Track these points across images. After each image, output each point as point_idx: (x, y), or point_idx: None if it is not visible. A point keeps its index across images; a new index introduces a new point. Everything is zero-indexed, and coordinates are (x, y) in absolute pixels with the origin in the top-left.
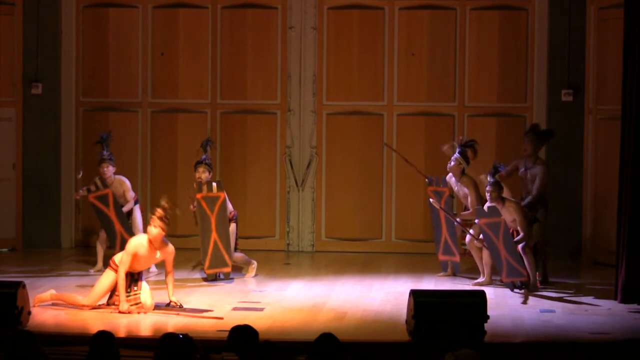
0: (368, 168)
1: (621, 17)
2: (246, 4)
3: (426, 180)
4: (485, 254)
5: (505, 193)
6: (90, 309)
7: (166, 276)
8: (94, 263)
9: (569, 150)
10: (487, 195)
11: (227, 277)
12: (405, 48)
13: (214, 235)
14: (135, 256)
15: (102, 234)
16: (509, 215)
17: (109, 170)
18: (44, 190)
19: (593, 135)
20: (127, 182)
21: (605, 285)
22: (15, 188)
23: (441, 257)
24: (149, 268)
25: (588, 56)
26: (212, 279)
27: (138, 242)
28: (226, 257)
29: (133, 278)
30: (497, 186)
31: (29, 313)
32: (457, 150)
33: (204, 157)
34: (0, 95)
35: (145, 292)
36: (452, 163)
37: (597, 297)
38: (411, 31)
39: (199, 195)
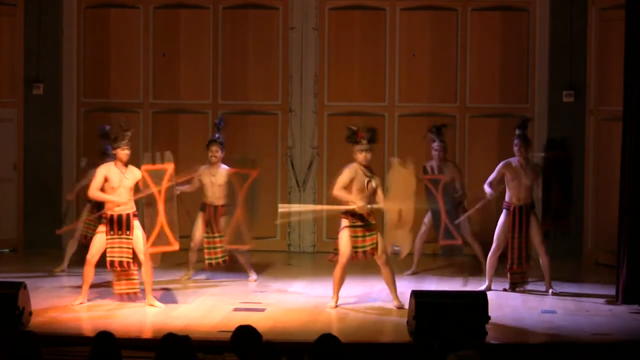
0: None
1: (622, 19)
2: (247, 5)
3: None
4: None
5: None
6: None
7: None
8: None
9: (570, 151)
10: (516, 149)
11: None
12: (407, 49)
13: (238, 212)
14: (106, 181)
15: (76, 234)
16: (533, 173)
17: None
18: (45, 190)
19: (594, 136)
20: None
21: (606, 286)
22: (16, 189)
23: (442, 242)
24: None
25: (589, 57)
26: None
27: (104, 166)
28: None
29: (120, 221)
30: (524, 139)
31: (30, 314)
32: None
33: (217, 135)
34: (1, 96)
35: (137, 239)
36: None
37: (598, 298)
38: (412, 32)
39: (232, 170)
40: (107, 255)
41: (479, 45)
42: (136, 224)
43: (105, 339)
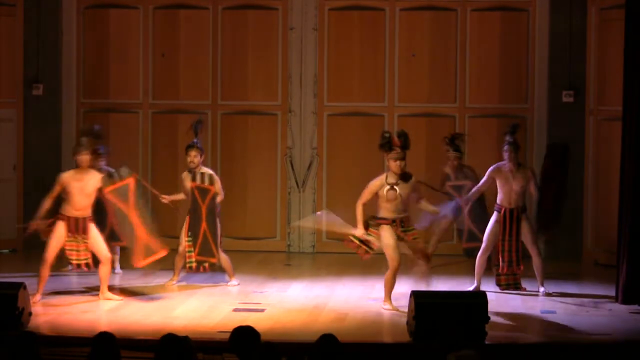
0: (369, 169)
1: (622, 18)
2: (247, 5)
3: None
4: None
5: None
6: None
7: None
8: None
9: (570, 151)
10: (505, 155)
11: (212, 269)
12: (406, 49)
13: (203, 225)
14: (68, 186)
15: None
16: (523, 179)
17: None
18: (45, 191)
19: (594, 136)
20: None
21: (605, 286)
22: (16, 189)
23: (465, 245)
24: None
25: (589, 57)
26: (198, 266)
27: (65, 173)
28: (213, 248)
29: (78, 225)
30: (514, 146)
31: (30, 314)
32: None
33: (195, 140)
34: (1, 96)
35: (96, 241)
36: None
37: (598, 298)
38: (412, 32)
39: (192, 184)
40: (71, 257)
41: (478, 45)
42: (91, 226)
43: (105, 339)
